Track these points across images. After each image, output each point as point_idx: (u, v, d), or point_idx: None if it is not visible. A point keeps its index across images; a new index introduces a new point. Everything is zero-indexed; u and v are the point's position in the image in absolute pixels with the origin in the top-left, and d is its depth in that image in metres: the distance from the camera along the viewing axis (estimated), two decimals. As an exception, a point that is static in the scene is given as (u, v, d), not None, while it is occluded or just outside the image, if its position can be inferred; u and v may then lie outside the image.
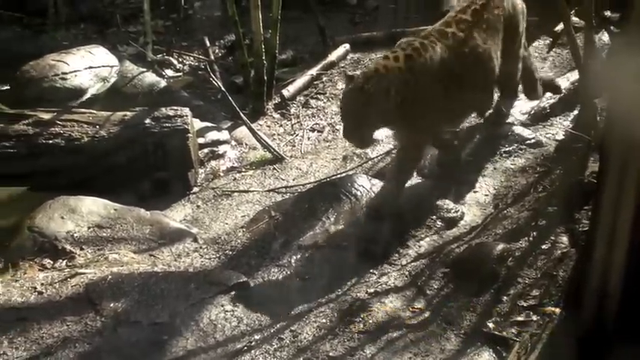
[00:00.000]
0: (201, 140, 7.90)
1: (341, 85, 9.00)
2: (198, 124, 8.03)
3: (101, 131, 7.41)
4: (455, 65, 6.44)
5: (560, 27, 8.35)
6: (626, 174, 4.50)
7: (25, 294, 5.92)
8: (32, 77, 9.32)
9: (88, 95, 9.37)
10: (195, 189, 7.43)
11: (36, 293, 5.81)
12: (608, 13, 8.56)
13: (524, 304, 5.45)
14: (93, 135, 7.39)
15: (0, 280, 6.10)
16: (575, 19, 7.87)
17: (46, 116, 7.53)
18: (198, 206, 7.16)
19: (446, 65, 6.38)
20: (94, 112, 7.75)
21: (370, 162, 7.51)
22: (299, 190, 7.16)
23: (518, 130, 7.47)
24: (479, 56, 6.62)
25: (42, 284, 5.89)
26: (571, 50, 7.16)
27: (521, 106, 7.83)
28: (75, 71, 9.42)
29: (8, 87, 9.59)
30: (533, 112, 7.82)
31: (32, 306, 5.58)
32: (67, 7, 11.37)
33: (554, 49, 9.11)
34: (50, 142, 7.36)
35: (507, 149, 7.28)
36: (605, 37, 8.41)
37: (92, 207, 6.72)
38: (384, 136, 7.93)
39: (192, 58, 10.38)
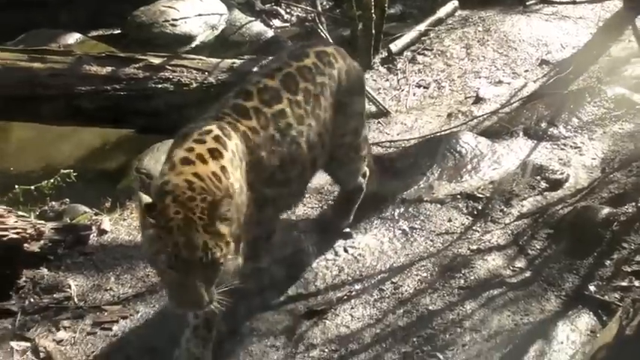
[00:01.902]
0: (305, 91, 7.93)
1: (448, 42, 8.96)
2: (303, 74, 8.05)
3: (210, 78, 7.51)
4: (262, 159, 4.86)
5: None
6: None
7: (132, 233, 6.09)
8: (143, 22, 9.49)
9: (196, 42, 9.51)
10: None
11: (143, 232, 5.95)
12: None
13: (628, 270, 5.39)
14: (202, 81, 7.49)
15: (109, 219, 6.27)
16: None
17: (156, 61, 7.66)
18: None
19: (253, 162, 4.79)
20: (204, 58, 7.85)
21: (475, 120, 7.46)
22: (403, 145, 7.15)
23: (629, 94, 7.33)
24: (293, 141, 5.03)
25: (149, 224, 6.02)
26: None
27: (633, 71, 7.68)
28: (185, 18, 9.56)
29: (120, 31, 9.77)
30: (644, 76, 7.67)
31: (139, 245, 5.70)
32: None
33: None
34: (159, 86, 7.48)
35: (617, 113, 7.16)
36: None
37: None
38: (491, 94, 7.90)
39: (300, 9, 10.42)
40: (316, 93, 5.17)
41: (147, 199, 4.12)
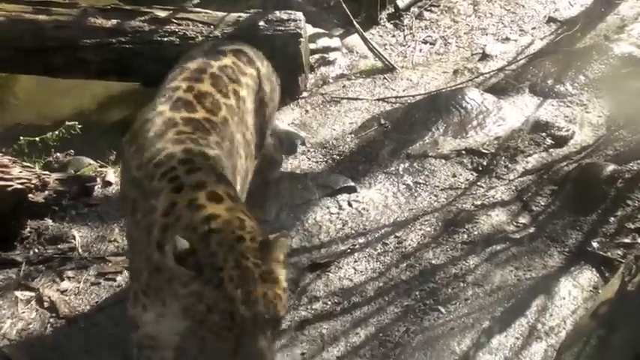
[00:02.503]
0: (312, 46, 7.90)
1: (456, -1, 8.92)
2: (310, 29, 8.01)
3: (215, 31, 7.46)
4: None
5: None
6: None
7: (137, 185, 6.09)
8: (149, -25, 9.40)
9: (202, -5, 9.43)
10: (305, 94, 7.46)
11: (147, 183, 5.96)
12: None
13: (632, 227, 5.40)
14: (207, 34, 7.44)
15: (113, 171, 6.28)
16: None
17: (162, 14, 7.61)
18: (306, 111, 7.20)
19: None
20: (210, 11, 7.80)
21: (481, 77, 7.43)
22: (409, 101, 7.14)
23: (637, 52, 7.30)
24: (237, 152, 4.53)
25: (152, 175, 6.03)
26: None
27: (638, 28, 7.65)
28: (191, -29, 9.48)
29: (125, -16, 9.71)
30: (652, 35, 7.63)
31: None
32: None
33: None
34: (165, 39, 7.44)
35: (624, 71, 7.13)
36: None
37: (204, 105, 6.81)
38: (498, 51, 7.87)
39: (307, -37, 10.35)
40: (243, 95, 4.71)
41: (184, 243, 3.37)
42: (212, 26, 7.49)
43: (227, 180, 3.91)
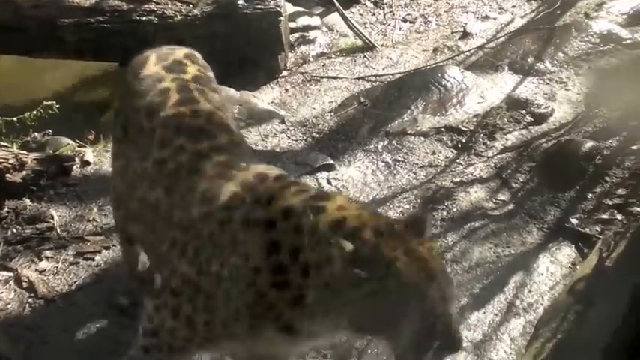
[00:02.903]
0: (292, 25, 7.89)
1: (435, -24, 8.89)
2: (290, 8, 7.99)
3: (194, 10, 7.43)
4: None
5: None
6: None
7: (116, 164, 6.07)
8: (128, -46, 9.35)
9: (182, -25, 9.37)
10: (285, 72, 7.44)
11: (126, 163, 5.94)
12: None
13: (610, 203, 5.42)
14: (186, 13, 7.41)
15: (92, 151, 6.25)
16: None
17: (141, -8, 7.58)
18: (286, 89, 7.19)
19: None
20: (188, -10, 7.76)
21: (461, 55, 7.43)
22: (388, 79, 7.13)
23: (616, 29, 7.31)
24: None
25: (132, 155, 6.01)
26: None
27: (620, 6, 7.65)
28: (169, -50, 9.42)
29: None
30: (631, 12, 7.62)
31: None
32: None
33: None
34: (144, 18, 7.40)
35: (603, 49, 7.14)
36: None
37: (182, 84, 6.79)
38: (478, 29, 7.87)
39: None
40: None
41: (349, 245, 3.07)
42: (191, 5, 7.46)
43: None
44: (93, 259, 5.24)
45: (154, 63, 4.19)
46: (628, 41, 7.20)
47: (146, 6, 7.43)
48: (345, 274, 3.09)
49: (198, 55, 4.53)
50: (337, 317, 3.23)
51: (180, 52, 4.43)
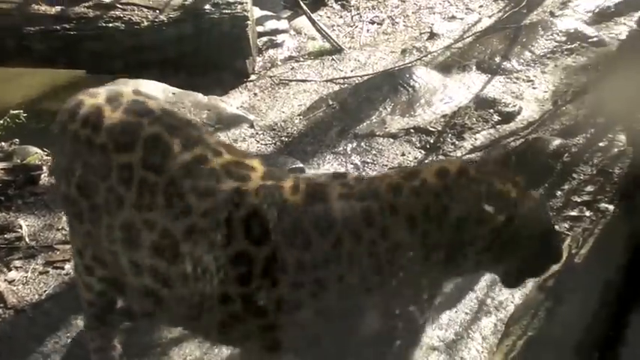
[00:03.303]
0: (260, 29, 7.89)
1: (402, -22, 8.91)
2: (257, 12, 7.99)
3: (161, 16, 7.40)
4: None
5: None
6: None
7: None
8: (93, -39, 9.31)
9: (148, -20, 9.34)
10: (253, 77, 7.44)
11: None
12: None
13: (578, 200, 5.44)
14: (153, 19, 7.38)
15: (58, 159, 6.21)
16: None
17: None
18: (255, 94, 7.18)
19: None
20: (155, -4, 7.74)
21: (429, 55, 7.45)
22: (357, 81, 7.14)
23: (582, 27, 7.35)
24: None
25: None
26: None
27: (586, 4, 7.70)
28: (136, -44, 9.39)
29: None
30: (597, 10, 7.68)
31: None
32: None
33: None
34: (110, 25, 7.36)
35: (569, 47, 7.18)
36: None
37: (151, 90, 6.75)
38: (445, 30, 7.90)
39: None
40: None
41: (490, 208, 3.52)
42: (157, 11, 7.43)
43: None
44: (62, 268, 5.21)
45: (110, 110, 3.73)
46: (594, 39, 7.25)
47: (112, 12, 7.40)
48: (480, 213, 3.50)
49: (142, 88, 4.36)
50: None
51: (126, 89, 3.99)
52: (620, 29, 7.46)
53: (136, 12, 7.43)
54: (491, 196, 3.52)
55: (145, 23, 7.35)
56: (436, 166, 3.67)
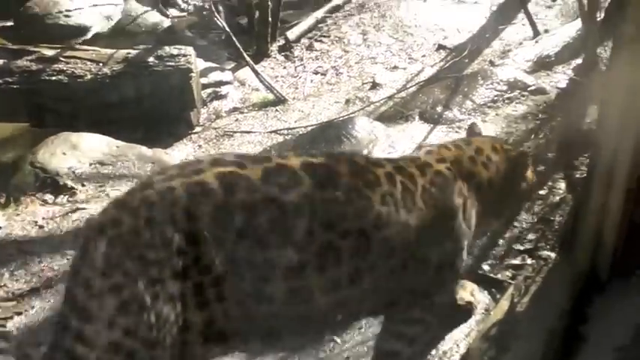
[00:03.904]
0: (204, 80, 7.92)
1: (345, 29, 8.99)
2: (201, 64, 8.03)
3: (104, 69, 7.41)
4: None
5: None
6: (625, 121, 4.53)
7: (27, 228, 5.98)
8: (36, 14, 9.30)
9: (91, 33, 9.34)
10: (198, 129, 7.45)
11: (37, 227, 5.87)
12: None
13: (520, 248, 5.49)
14: (96, 72, 7.39)
15: (2, 214, 6.15)
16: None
17: (49, 53, 7.54)
18: (199, 146, 7.19)
19: None
20: (98, 49, 7.74)
21: (372, 105, 7.52)
22: (301, 132, 7.17)
23: (521, 76, 7.47)
24: None
25: (43, 219, 5.94)
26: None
27: (524, 54, 7.82)
28: (79, 9, 9.40)
29: (12, 23, 9.56)
30: (536, 59, 7.81)
31: (33, 240, 5.63)
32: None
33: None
34: (53, 78, 7.35)
35: (509, 95, 7.28)
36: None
37: (94, 143, 6.75)
38: (388, 80, 7.97)
39: (196, -2, 10.37)
40: None
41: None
42: (101, 64, 7.44)
43: None
44: (4, 326, 5.13)
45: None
46: (533, 87, 7.36)
47: (56, 66, 7.39)
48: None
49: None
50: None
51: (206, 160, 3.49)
52: (559, 77, 7.59)
53: (79, 65, 7.43)
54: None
55: (89, 76, 7.35)
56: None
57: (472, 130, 4.82)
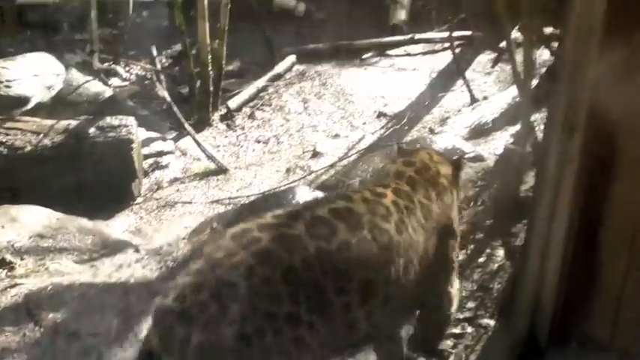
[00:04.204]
0: (145, 150, 7.91)
1: (286, 97, 9.06)
2: (143, 134, 8.03)
3: (45, 140, 7.39)
4: None
5: (504, 43, 8.48)
6: (559, 189, 4.61)
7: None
8: (-25, 85, 9.26)
9: (32, 103, 9.30)
10: (139, 199, 7.44)
11: (-26, 303, 5.78)
12: (550, 30, 8.66)
13: (460, 317, 5.51)
14: (36, 143, 7.36)
15: None
16: (518, 34, 7.98)
17: (-11, 124, 7.51)
18: (141, 217, 7.17)
19: None
20: (38, 120, 7.72)
21: (313, 174, 7.55)
22: (242, 202, 7.18)
23: (460, 144, 7.56)
24: None
25: (-19, 294, 5.86)
26: (511, 67, 7.25)
27: (462, 121, 7.92)
28: (19, 79, 9.36)
29: (-49, 93, 9.51)
30: (473, 126, 7.91)
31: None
32: (14, 13, 11.27)
33: (498, 64, 9.24)
34: (-7, 150, 7.32)
35: (450, 163, 7.37)
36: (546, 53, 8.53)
37: (34, 216, 6.69)
38: (329, 148, 8.02)
39: (138, 68, 10.37)
40: None
41: None
42: (41, 135, 7.41)
43: None
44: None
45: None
46: (471, 154, 7.45)
47: (-5, 137, 7.36)
48: None
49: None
50: None
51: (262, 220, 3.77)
52: (497, 144, 7.68)
53: (19, 136, 7.40)
54: None
55: (29, 148, 7.32)
56: None
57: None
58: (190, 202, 7.33)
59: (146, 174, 7.78)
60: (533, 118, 6.94)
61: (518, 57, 7.08)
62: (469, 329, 5.41)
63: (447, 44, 9.39)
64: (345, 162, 7.75)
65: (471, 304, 5.61)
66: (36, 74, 9.51)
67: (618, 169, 4.51)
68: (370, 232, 3.83)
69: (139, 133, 7.79)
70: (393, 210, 4.00)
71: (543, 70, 7.90)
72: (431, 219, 4.26)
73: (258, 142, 8.46)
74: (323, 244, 3.64)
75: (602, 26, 4.25)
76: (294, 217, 3.73)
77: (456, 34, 9.32)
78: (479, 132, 7.89)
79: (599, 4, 4.20)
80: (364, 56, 9.94)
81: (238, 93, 9.15)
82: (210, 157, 7.92)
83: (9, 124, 7.55)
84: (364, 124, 8.64)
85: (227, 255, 3.45)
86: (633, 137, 4.27)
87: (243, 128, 8.66)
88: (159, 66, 10.19)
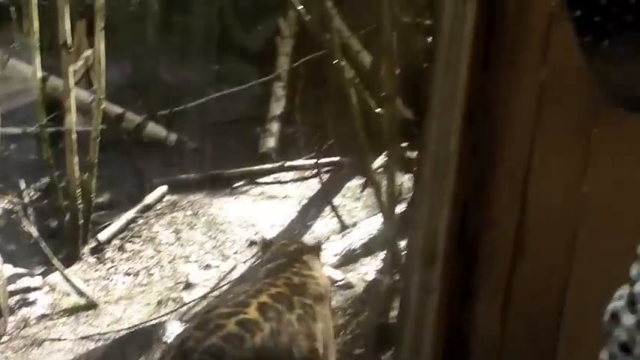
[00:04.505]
0: (11, 287, 7.75)
1: (157, 228, 9.04)
2: (9, 270, 7.88)
3: None
4: None
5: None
6: (421, 316, 4.73)
7: None
8: None
9: None
10: (5, 338, 7.26)
11: None
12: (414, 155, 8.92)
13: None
14: None
15: None
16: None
17: None
18: (7, 357, 6.99)
19: None
20: None
21: (185, 307, 7.52)
22: (112, 337, 7.09)
23: (329, 271, 7.64)
24: None
25: None
26: (375, 193, 7.44)
27: (332, 248, 8.03)
28: None
29: None
30: (343, 252, 8.03)
31: None
32: None
33: (367, 189, 9.43)
34: None
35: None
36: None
37: None
38: (201, 279, 8.02)
39: (5, 201, 10.21)
40: None
41: None
42: None
43: None
44: None
45: None
46: (341, 282, 7.54)
47: None
48: None
49: None
50: None
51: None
52: (367, 269, 7.81)
53: None
54: None
55: None
56: None
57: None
58: (59, 339, 7.19)
59: (12, 311, 7.61)
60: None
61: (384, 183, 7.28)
62: None
63: (315, 171, 9.55)
64: (217, 292, 7.74)
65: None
66: None
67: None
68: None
69: (5, 270, 7.64)
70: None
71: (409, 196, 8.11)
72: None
73: (128, 274, 8.39)
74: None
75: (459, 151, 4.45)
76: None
77: (323, 160, 9.52)
78: (349, 258, 8.00)
79: (454, 132, 4.40)
80: (235, 185, 10.00)
81: (108, 225, 9.09)
82: (80, 292, 7.81)
83: None
84: (236, 253, 8.66)
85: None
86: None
87: (113, 261, 8.59)
88: (27, 199, 10.05)
